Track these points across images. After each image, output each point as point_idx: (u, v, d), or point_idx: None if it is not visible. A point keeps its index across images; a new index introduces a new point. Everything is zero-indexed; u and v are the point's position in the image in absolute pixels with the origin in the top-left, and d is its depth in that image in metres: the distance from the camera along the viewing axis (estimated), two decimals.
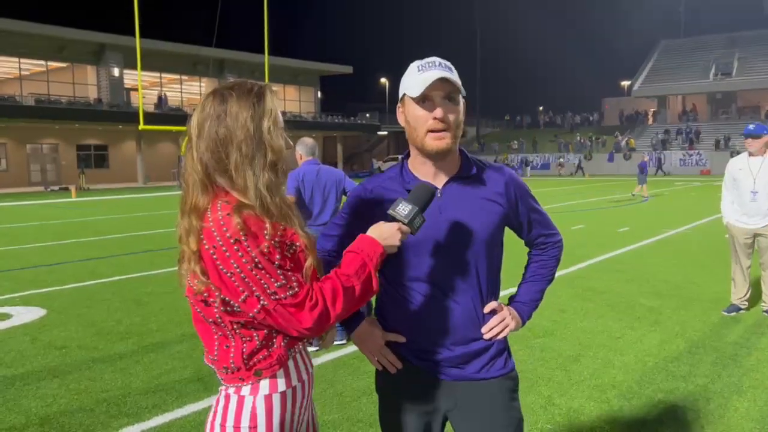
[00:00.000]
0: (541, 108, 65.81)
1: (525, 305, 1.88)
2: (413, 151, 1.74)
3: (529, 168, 45.79)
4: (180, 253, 1.48)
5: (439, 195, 1.70)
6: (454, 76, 1.63)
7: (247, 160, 1.45)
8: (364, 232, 1.57)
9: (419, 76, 1.64)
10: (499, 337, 1.77)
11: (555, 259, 1.93)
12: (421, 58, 1.72)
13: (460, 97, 1.68)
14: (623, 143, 45.94)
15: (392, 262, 1.72)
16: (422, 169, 1.73)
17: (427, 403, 1.74)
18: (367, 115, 56.12)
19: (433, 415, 1.75)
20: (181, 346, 5.02)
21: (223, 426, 1.48)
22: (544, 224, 1.89)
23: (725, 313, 5.74)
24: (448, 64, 1.68)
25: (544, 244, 1.91)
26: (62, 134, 39.26)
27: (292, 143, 1.59)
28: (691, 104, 52.68)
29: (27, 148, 38.68)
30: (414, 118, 1.67)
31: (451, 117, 1.65)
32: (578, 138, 49.17)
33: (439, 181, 1.72)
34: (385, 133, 57.29)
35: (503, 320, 1.78)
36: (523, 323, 1.87)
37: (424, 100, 1.65)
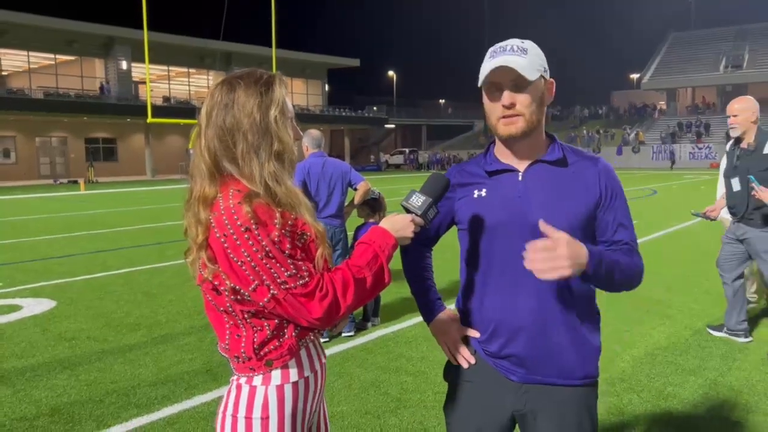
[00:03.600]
0: None
1: (595, 251, 1.49)
2: (496, 137, 1.69)
3: None
4: (189, 243, 1.48)
5: (520, 178, 1.63)
6: (522, 60, 1.54)
7: (253, 149, 1.45)
8: (450, 213, 1.68)
9: (486, 64, 1.58)
10: (545, 276, 1.39)
11: (635, 264, 1.65)
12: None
13: (536, 79, 1.56)
14: (632, 136, 45.66)
15: (468, 249, 1.69)
16: (504, 154, 1.67)
17: (494, 401, 1.66)
18: (375, 108, 56.03)
19: (500, 413, 1.66)
20: (190, 338, 5.04)
21: (234, 416, 1.48)
22: (629, 236, 1.66)
23: None
24: (524, 46, 1.58)
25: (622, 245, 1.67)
26: (71, 127, 39.44)
27: (301, 133, 1.58)
28: (701, 97, 52.27)
29: (36, 141, 38.90)
30: (486, 107, 1.63)
31: (521, 102, 1.56)
32: (585, 131, 48.90)
33: (522, 165, 1.65)
34: (393, 126, 57.19)
35: (553, 252, 1.38)
36: (590, 268, 1.44)
37: (492, 87, 1.59)
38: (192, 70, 45.05)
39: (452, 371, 1.77)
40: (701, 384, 3.93)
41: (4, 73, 39.23)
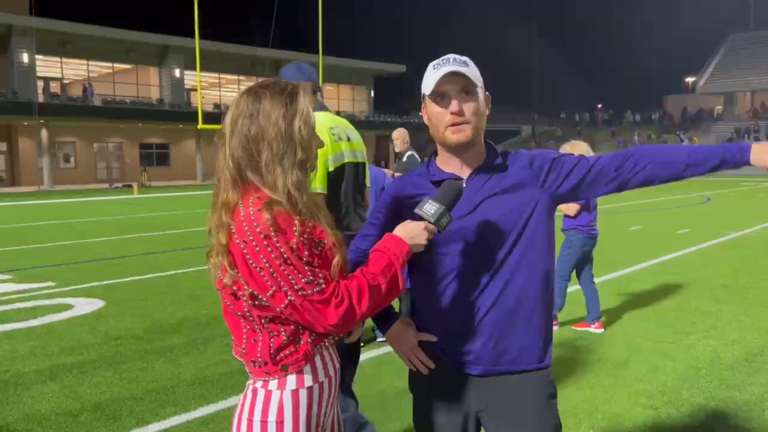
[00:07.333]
0: (600, 105, 64.20)
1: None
2: (439, 148, 1.77)
3: None
4: (210, 247, 1.53)
5: (464, 185, 1.68)
6: (467, 69, 1.65)
7: (277, 158, 1.48)
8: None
9: (433, 73, 1.66)
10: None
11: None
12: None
13: (479, 89, 1.68)
14: (686, 142, 44.26)
15: (423, 257, 1.71)
16: (448, 163, 1.74)
17: (458, 402, 1.72)
18: (420, 113, 55.94)
19: (465, 414, 1.72)
20: (230, 340, 5.11)
21: (250, 420, 1.51)
22: (602, 156, 1.72)
23: None
24: (464, 59, 1.69)
25: (631, 160, 1.66)
26: (127, 133, 40.89)
27: (322, 141, 1.61)
28: (761, 102, 50.19)
29: (94, 147, 40.46)
30: (433, 116, 1.71)
31: (469, 109, 1.66)
32: (636, 137, 47.63)
33: (465, 172, 1.72)
34: None
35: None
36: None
37: (440, 96, 1.67)
38: (242, 77, 46.04)
39: (415, 379, 1.82)
40: (746, 400, 3.78)
41: (65, 82, 41.05)
